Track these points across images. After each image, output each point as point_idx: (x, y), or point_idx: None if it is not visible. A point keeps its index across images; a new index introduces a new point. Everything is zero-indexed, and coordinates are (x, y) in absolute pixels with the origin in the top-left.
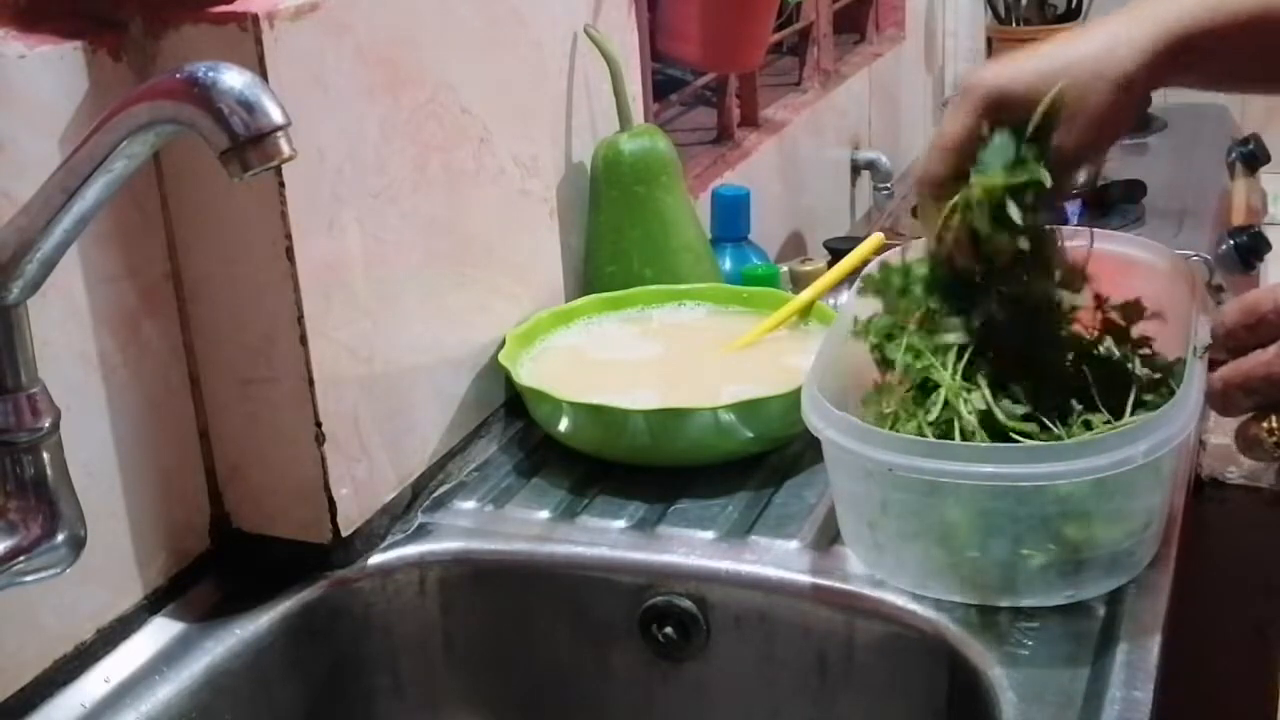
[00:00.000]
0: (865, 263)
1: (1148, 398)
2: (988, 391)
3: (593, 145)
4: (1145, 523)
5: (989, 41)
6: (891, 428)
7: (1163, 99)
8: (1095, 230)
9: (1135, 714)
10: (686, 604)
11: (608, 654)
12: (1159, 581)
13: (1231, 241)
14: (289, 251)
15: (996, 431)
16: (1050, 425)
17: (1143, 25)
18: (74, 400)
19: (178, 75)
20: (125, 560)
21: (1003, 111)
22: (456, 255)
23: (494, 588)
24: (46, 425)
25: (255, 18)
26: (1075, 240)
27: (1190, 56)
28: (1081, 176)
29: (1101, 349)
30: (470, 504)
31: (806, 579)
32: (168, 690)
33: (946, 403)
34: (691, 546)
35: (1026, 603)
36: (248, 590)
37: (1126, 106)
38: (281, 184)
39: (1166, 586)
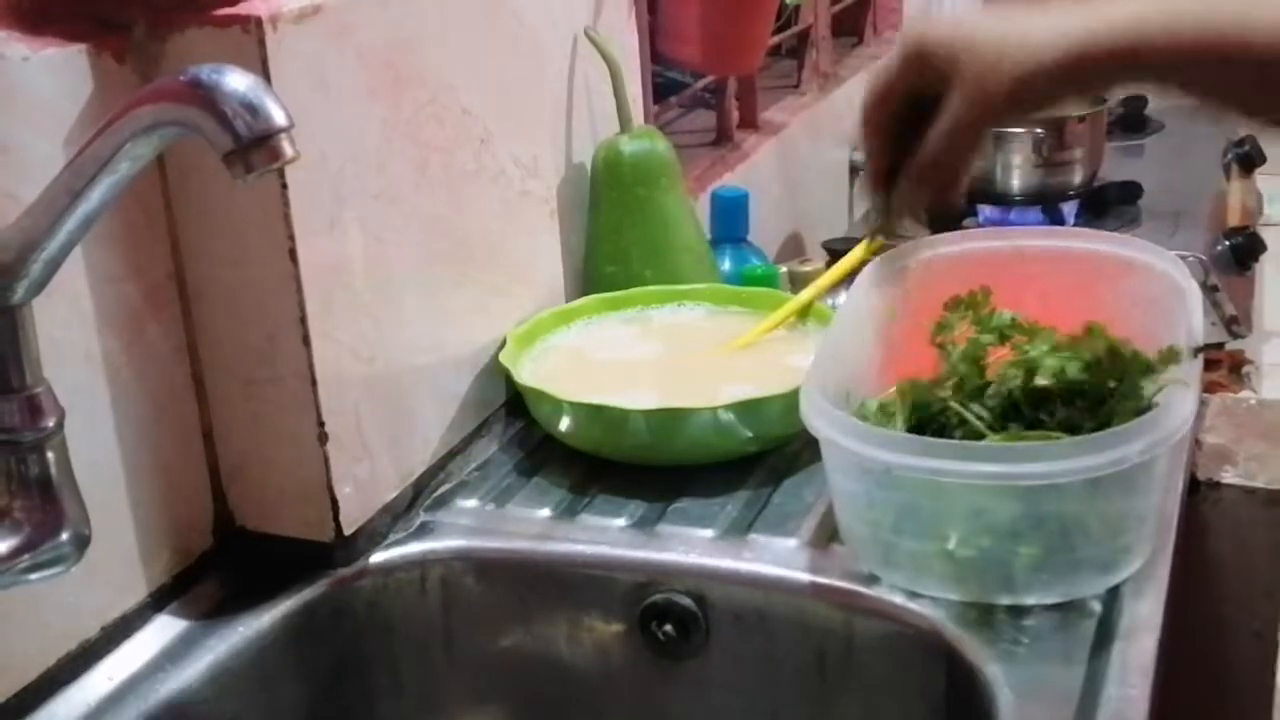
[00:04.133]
0: (863, 263)
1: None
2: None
3: (593, 147)
4: (1141, 522)
5: None
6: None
7: (1159, 101)
8: (1094, 231)
9: (1131, 712)
10: (686, 602)
11: (608, 652)
12: (1155, 580)
13: (1227, 242)
14: (292, 252)
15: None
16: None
17: (1084, 21)
18: (78, 400)
19: (181, 78)
20: (129, 558)
21: (925, 71)
22: (457, 255)
23: (495, 586)
24: (51, 425)
25: (258, 20)
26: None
27: (1139, 70)
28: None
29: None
30: (471, 503)
31: (805, 577)
32: (171, 688)
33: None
34: (691, 545)
35: (1023, 601)
36: (251, 588)
37: (1020, 101)
38: (284, 185)
39: (1162, 585)
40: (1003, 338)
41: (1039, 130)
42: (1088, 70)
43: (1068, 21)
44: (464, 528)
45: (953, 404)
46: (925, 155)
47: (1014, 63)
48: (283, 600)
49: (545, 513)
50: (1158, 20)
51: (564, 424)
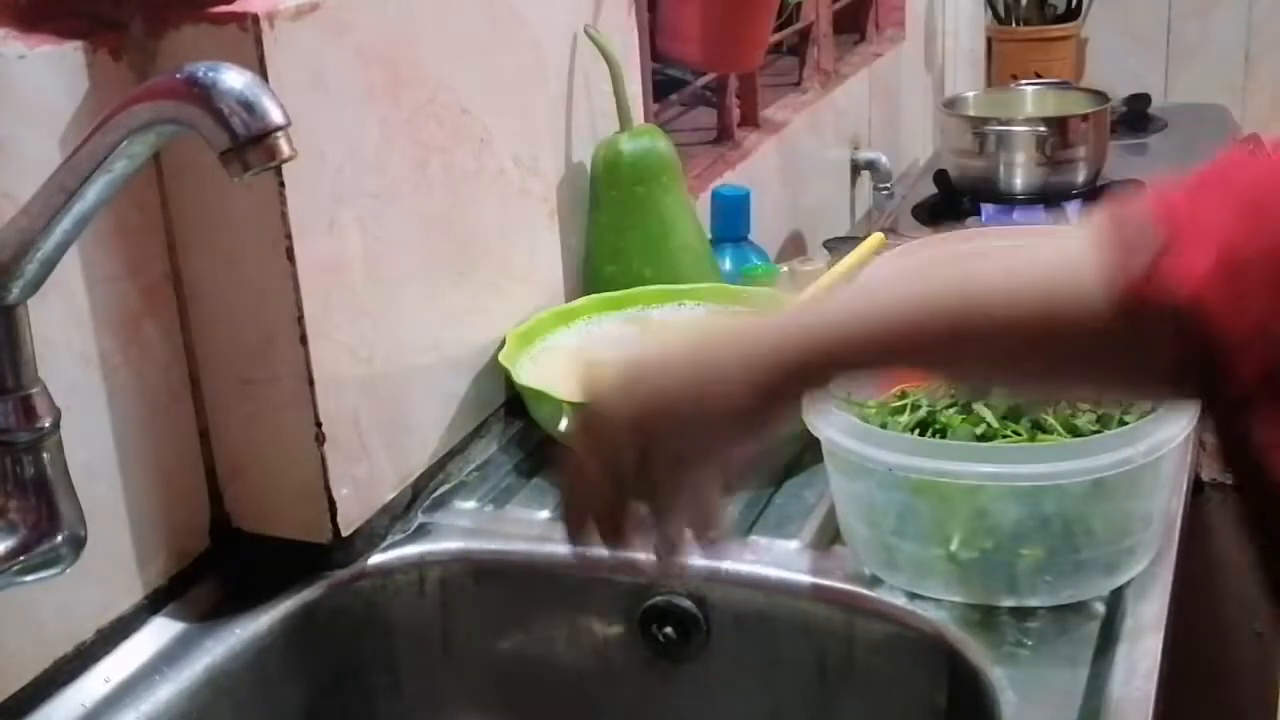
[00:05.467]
0: (865, 262)
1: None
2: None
3: (593, 145)
4: (1145, 523)
5: (989, 41)
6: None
7: (1162, 99)
8: None
9: (1135, 714)
10: (686, 604)
11: (608, 654)
12: (1159, 582)
13: None
14: (289, 251)
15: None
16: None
17: (757, 338)
18: (74, 400)
19: (178, 75)
20: (125, 560)
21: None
22: (457, 255)
23: (494, 587)
24: (47, 425)
25: (255, 18)
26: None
27: (849, 369)
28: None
29: None
30: (470, 504)
31: (806, 579)
32: (168, 690)
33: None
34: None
35: (1026, 603)
36: (248, 590)
37: (732, 434)
38: (281, 184)
39: (1166, 587)
40: None
41: (1042, 128)
42: (791, 386)
43: (758, 345)
44: (463, 529)
45: (955, 404)
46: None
47: (721, 396)
48: (280, 602)
49: (544, 514)
50: (851, 317)
51: (564, 424)
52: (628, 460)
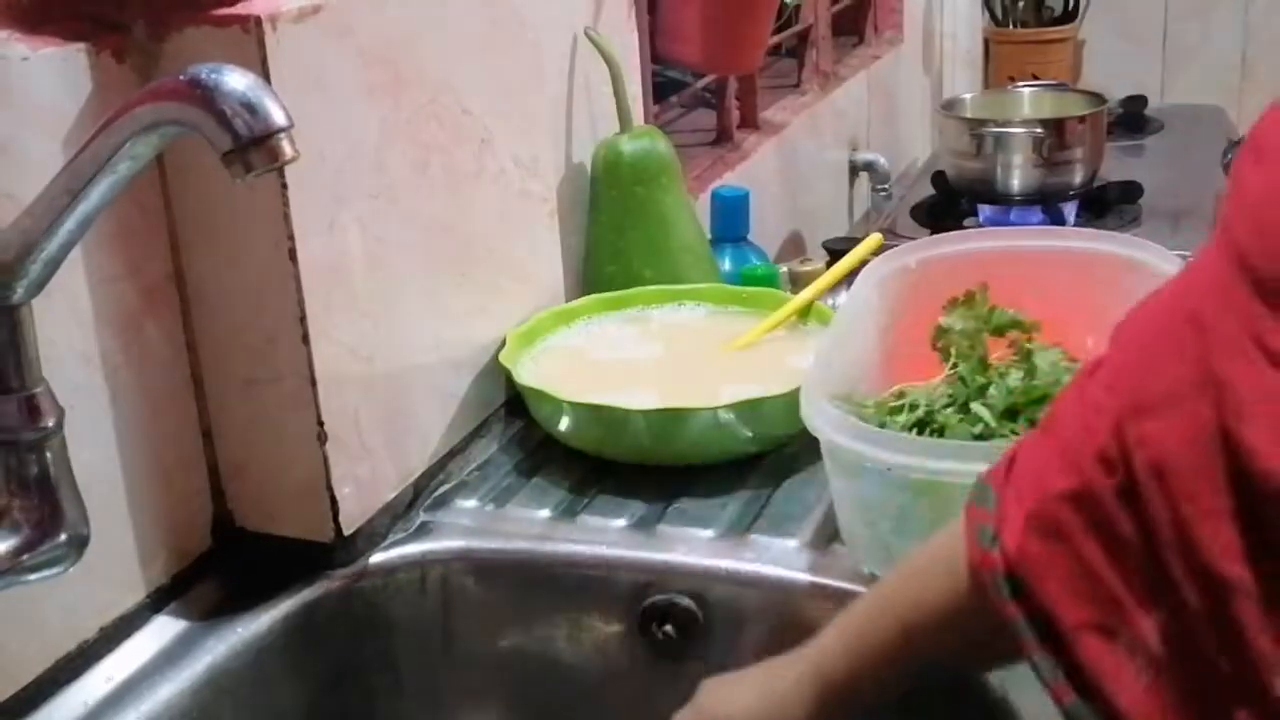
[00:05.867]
0: (864, 263)
1: None
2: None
3: (593, 146)
4: None
5: (986, 43)
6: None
7: (1159, 101)
8: (1094, 231)
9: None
10: (686, 603)
11: (607, 653)
12: None
13: None
14: (291, 252)
15: None
16: None
17: (801, 683)
18: (77, 400)
19: (181, 77)
20: (128, 559)
21: None
22: (457, 255)
23: (495, 586)
24: (50, 425)
25: (258, 20)
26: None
27: (861, 693)
28: None
29: None
30: (471, 503)
31: (805, 578)
32: (170, 689)
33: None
34: (691, 545)
35: None
36: (250, 589)
37: None
38: (284, 185)
39: None
40: (999, 331)
41: (1039, 130)
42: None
43: (795, 676)
44: (464, 528)
45: (953, 404)
46: None
47: None
48: (282, 601)
49: (545, 513)
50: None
51: (564, 424)
52: None
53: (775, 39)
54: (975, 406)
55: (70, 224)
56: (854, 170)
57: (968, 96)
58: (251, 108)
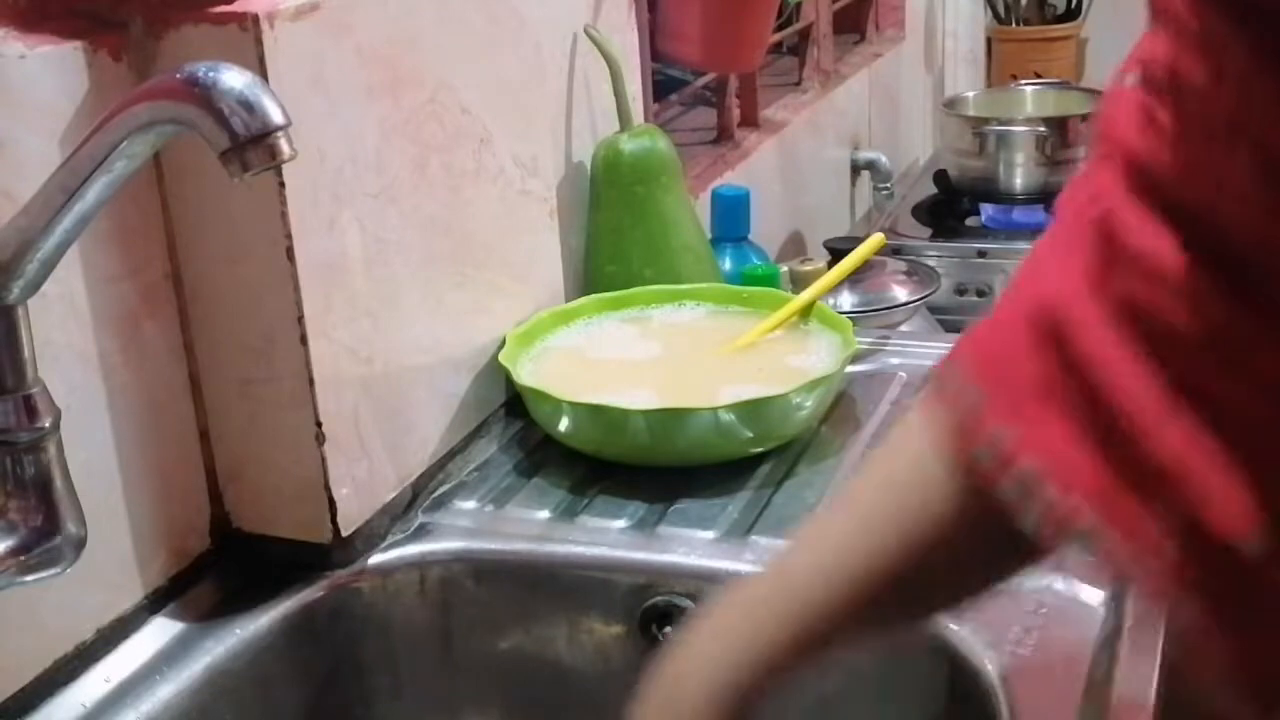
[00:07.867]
0: (865, 263)
1: None
2: None
3: (593, 145)
4: None
5: (989, 41)
6: None
7: None
8: None
9: (1137, 714)
10: (687, 604)
11: (607, 654)
12: None
13: None
14: (289, 251)
15: None
16: None
17: (709, 665)
18: (74, 400)
19: (178, 75)
20: (125, 560)
21: None
22: (456, 255)
23: (494, 587)
24: (47, 425)
25: (255, 18)
26: None
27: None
28: None
29: None
30: (470, 504)
31: None
32: (168, 690)
33: None
34: (691, 546)
35: (1027, 600)
36: (248, 590)
37: None
38: (282, 184)
39: None
40: None
41: (1042, 128)
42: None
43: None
44: (463, 529)
45: None
46: None
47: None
48: (280, 602)
49: (545, 514)
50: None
51: (564, 424)
52: None
53: (776, 37)
54: None
55: (67, 223)
56: (855, 169)
57: (970, 95)
58: (249, 106)
